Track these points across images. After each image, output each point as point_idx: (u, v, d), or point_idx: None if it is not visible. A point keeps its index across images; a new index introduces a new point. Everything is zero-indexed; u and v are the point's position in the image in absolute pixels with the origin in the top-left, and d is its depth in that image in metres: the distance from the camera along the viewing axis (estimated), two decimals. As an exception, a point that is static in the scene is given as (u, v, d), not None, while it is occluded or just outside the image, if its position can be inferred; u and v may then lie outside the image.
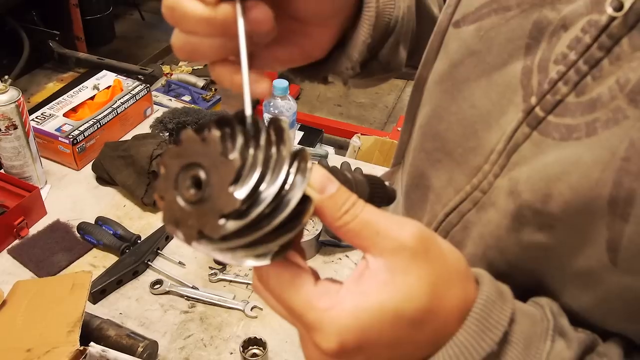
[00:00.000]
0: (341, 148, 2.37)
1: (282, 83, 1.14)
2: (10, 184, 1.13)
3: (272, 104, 1.15)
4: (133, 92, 1.34)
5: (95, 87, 1.35)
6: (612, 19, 0.35)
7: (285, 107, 1.15)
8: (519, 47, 0.40)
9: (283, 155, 0.30)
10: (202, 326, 0.97)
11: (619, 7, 0.34)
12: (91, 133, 1.24)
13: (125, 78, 1.39)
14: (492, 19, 0.43)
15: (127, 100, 1.32)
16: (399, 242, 0.32)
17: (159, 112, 1.41)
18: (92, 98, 1.34)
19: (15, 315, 0.89)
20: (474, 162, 0.43)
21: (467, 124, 0.44)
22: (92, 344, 0.78)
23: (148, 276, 1.05)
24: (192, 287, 1.02)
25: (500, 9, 0.42)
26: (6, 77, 1.81)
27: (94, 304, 0.99)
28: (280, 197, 0.30)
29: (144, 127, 1.36)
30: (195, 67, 2.56)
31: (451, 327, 0.34)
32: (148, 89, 1.37)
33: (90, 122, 1.25)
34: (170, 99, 2.03)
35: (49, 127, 1.23)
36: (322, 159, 1.30)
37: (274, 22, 0.39)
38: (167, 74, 2.36)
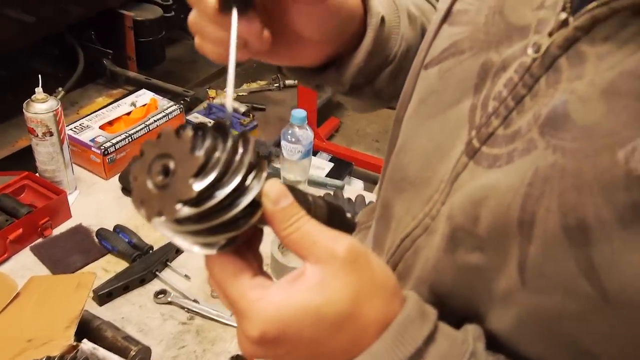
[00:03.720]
0: (374, 183, 2.39)
1: (300, 113, 1.19)
2: (41, 186, 1.21)
3: (290, 132, 1.20)
4: (167, 112, 1.42)
5: (133, 104, 1.44)
6: (534, 60, 0.39)
7: (303, 135, 1.20)
8: (469, 86, 0.44)
9: (244, 162, 0.34)
10: (197, 338, 1.01)
11: (537, 50, 0.38)
12: (122, 146, 1.32)
13: (161, 98, 1.47)
14: (450, 61, 0.47)
15: (160, 119, 1.40)
16: (331, 251, 0.36)
17: (189, 132, 1.48)
18: (128, 114, 1.42)
19: (24, 307, 0.96)
20: (427, 192, 0.46)
21: (425, 156, 0.48)
22: (84, 340, 0.83)
23: (154, 285, 1.09)
24: (193, 300, 1.06)
25: (457, 52, 0.47)
26: (60, 89, 1.94)
27: (100, 305, 1.04)
28: (233, 197, 0.34)
29: (173, 145, 1.43)
30: (240, 94, 2.66)
31: (369, 338, 0.37)
32: (181, 109, 1.45)
33: (123, 136, 1.33)
34: (210, 122, 2.11)
35: (84, 137, 1.32)
36: (337, 190, 1.33)
37: (265, 38, 0.48)
38: (212, 97, 2.46)
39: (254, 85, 2.70)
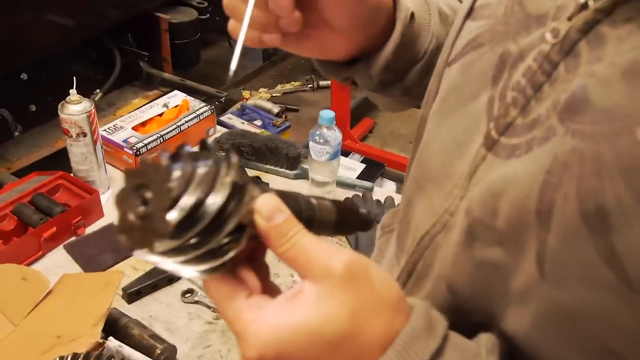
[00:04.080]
0: (407, 184, 2.37)
1: (329, 114, 1.18)
2: (75, 186, 1.24)
3: (318, 133, 1.19)
4: (198, 112, 1.44)
5: (165, 105, 1.46)
6: (553, 46, 0.38)
7: (331, 136, 1.19)
8: (488, 78, 0.44)
9: (225, 185, 0.33)
10: (222, 338, 1.01)
11: (556, 35, 0.38)
12: (154, 146, 1.34)
13: (193, 99, 1.49)
14: (470, 55, 0.47)
15: (192, 119, 1.42)
16: (327, 268, 0.35)
17: (221, 132, 1.50)
18: (161, 115, 1.44)
19: (56, 304, 0.98)
20: (447, 188, 0.46)
21: (445, 152, 0.47)
22: (110, 338, 0.84)
23: (181, 285, 1.11)
24: (219, 300, 1.06)
25: (477, 45, 0.46)
26: (97, 90, 1.99)
27: (129, 303, 1.06)
28: (214, 225, 0.33)
29: (204, 146, 1.45)
30: (274, 95, 2.68)
31: (372, 356, 0.36)
32: (212, 110, 1.46)
33: (155, 137, 1.35)
34: (243, 122, 2.13)
35: (118, 137, 1.34)
36: (366, 191, 1.32)
37: (296, 17, 0.48)
38: (245, 98, 2.48)
39: (287, 86, 2.71)
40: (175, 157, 0.34)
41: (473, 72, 0.46)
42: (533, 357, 0.40)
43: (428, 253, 0.47)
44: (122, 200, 0.35)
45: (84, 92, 1.20)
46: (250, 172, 1.33)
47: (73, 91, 1.19)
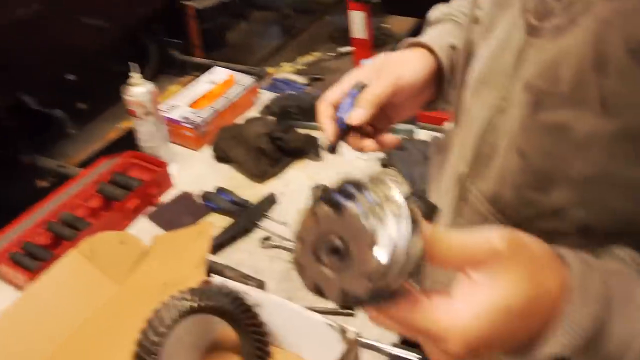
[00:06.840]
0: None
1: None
2: (144, 162, 1.36)
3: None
4: (243, 84, 1.55)
5: (212, 82, 1.57)
6: None
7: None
8: None
9: (403, 217, 0.35)
10: (303, 274, 1.12)
11: None
12: (209, 119, 1.45)
13: (236, 72, 1.60)
14: None
15: (240, 92, 1.53)
16: (492, 250, 0.39)
17: (263, 97, 1.60)
18: (210, 92, 1.56)
19: (154, 260, 1.10)
20: (497, 82, 0.56)
21: (491, 57, 0.58)
22: (214, 275, 0.96)
23: (257, 234, 1.22)
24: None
25: None
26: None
27: (213, 255, 1.18)
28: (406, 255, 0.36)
29: (251, 112, 1.55)
30: (300, 67, 2.77)
31: (557, 306, 0.41)
32: (256, 79, 1.57)
33: (210, 110, 1.46)
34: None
35: (175, 115, 1.46)
36: (409, 133, 1.41)
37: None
38: (270, 74, 2.58)
39: (309, 58, 2.80)
40: (346, 195, 0.36)
41: None
42: (601, 198, 0.49)
43: (488, 135, 0.57)
44: (304, 258, 0.37)
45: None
46: (302, 130, 1.43)
47: (135, 74, 1.30)
